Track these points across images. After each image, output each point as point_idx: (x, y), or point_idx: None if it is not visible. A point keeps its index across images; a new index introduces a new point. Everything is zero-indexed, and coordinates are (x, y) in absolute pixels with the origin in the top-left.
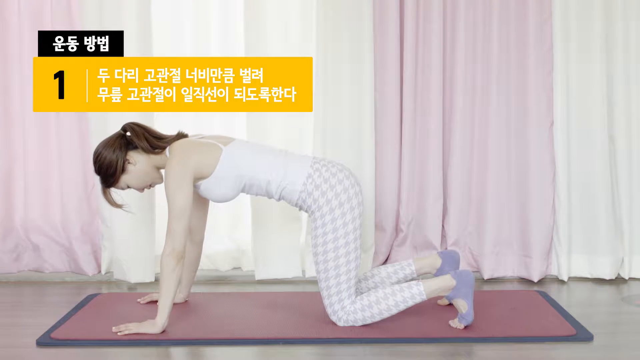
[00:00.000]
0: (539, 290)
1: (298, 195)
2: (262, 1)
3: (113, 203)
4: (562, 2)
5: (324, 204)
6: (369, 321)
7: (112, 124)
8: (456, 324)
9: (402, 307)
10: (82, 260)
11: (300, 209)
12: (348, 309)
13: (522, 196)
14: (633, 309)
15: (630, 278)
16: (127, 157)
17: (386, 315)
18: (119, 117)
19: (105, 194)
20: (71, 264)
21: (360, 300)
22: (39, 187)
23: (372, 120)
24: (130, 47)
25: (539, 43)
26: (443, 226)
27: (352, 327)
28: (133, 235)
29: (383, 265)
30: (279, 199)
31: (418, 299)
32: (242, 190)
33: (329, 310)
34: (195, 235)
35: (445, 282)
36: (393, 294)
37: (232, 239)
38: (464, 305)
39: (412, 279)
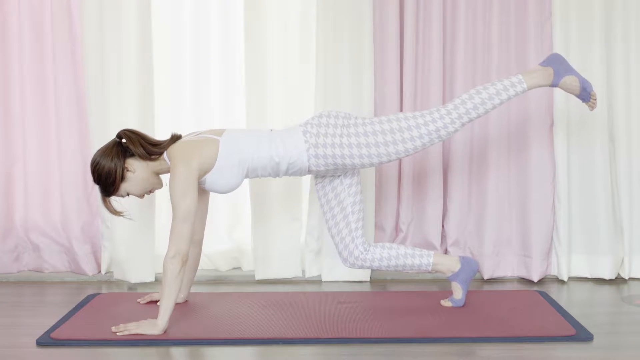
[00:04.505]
0: (539, 290)
1: (306, 154)
2: (262, 1)
3: (114, 211)
4: (562, 2)
5: (332, 137)
6: (473, 113)
7: (112, 124)
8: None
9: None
10: (82, 260)
11: (310, 172)
12: (448, 113)
13: (522, 196)
14: (633, 309)
15: (630, 278)
16: (126, 165)
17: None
18: (119, 117)
19: (105, 202)
20: (71, 264)
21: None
22: (39, 187)
23: None
24: (130, 46)
25: (539, 43)
26: (443, 226)
27: (353, 326)
28: (133, 235)
29: (403, 245)
30: (287, 171)
31: (518, 88)
32: (247, 175)
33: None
34: (195, 234)
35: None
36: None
37: (232, 239)
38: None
39: (422, 271)
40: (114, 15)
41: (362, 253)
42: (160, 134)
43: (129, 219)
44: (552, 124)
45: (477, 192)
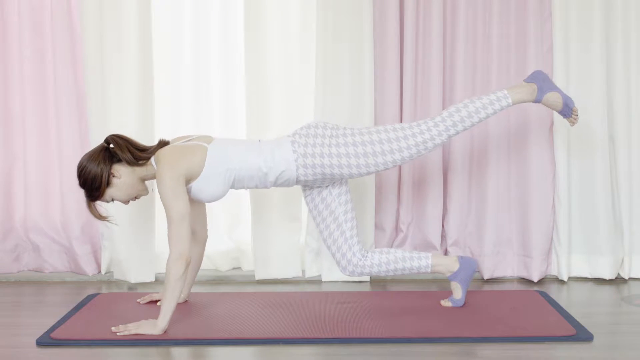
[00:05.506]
0: (539, 290)
1: (295, 165)
2: (262, 1)
3: (98, 216)
4: (562, 2)
5: (321, 147)
6: (459, 126)
7: (112, 124)
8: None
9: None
10: (82, 260)
11: (299, 182)
12: (436, 125)
13: (522, 196)
14: (633, 309)
15: (630, 278)
16: (112, 171)
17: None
18: (119, 117)
19: (90, 207)
20: (71, 264)
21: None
22: (39, 187)
23: (372, 120)
24: (130, 46)
25: (539, 43)
26: (443, 226)
27: (353, 326)
28: (133, 235)
29: (400, 248)
30: (275, 182)
31: (503, 103)
32: (232, 186)
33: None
34: (198, 234)
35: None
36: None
37: (232, 239)
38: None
39: (422, 272)
40: (114, 15)
41: (360, 260)
42: (160, 134)
43: (114, 224)
44: (552, 124)
45: (477, 192)
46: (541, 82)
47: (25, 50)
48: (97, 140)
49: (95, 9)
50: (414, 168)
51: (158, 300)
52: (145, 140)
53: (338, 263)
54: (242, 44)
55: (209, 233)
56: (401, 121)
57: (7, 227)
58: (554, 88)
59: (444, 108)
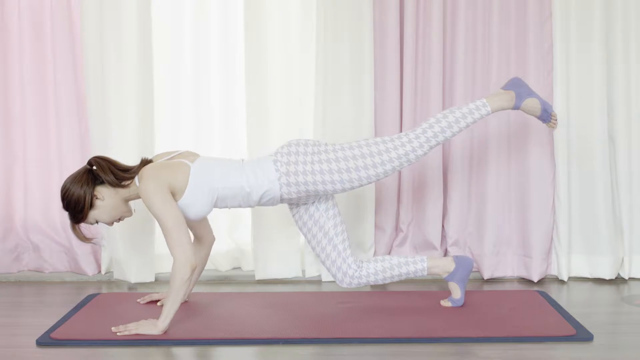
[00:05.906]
0: (539, 290)
1: (278, 184)
2: (262, 1)
3: (82, 238)
4: (562, 2)
5: (303, 165)
6: (440, 137)
7: (112, 124)
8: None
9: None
10: (82, 260)
11: (283, 201)
12: (417, 137)
13: (522, 196)
14: (633, 309)
15: (630, 278)
16: (95, 193)
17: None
18: (119, 117)
19: (74, 229)
20: (71, 264)
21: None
22: (39, 187)
23: (372, 120)
24: (130, 46)
25: (539, 43)
26: (443, 226)
27: (353, 326)
28: (133, 235)
29: (396, 255)
30: (259, 201)
31: (482, 111)
32: (215, 205)
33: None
34: (204, 238)
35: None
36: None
37: (232, 239)
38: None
39: (419, 276)
40: (114, 15)
41: (355, 271)
42: (160, 134)
43: (99, 244)
44: None
45: (477, 192)
46: (519, 88)
47: (25, 51)
48: (97, 140)
49: (95, 9)
50: (414, 168)
51: (158, 300)
52: (146, 140)
53: (334, 276)
54: (242, 44)
55: None
56: (401, 121)
57: (7, 227)
58: (532, 94)
59: (444, 107)
